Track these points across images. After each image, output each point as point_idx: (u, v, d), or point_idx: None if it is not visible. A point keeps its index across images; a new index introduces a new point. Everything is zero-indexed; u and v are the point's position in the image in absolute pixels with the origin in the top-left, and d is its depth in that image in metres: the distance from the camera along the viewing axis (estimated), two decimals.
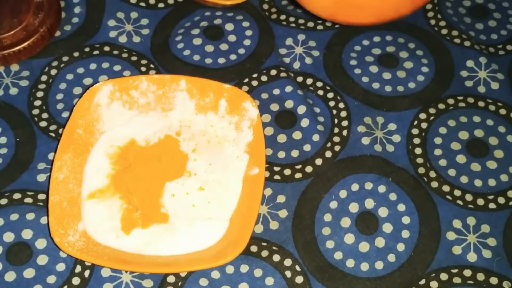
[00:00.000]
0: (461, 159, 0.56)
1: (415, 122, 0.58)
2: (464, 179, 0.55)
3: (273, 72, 0.60)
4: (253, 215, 0.50)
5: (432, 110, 0.58)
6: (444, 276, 0.51)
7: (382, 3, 0.57)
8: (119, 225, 0.52)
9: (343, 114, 0.58)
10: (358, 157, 0.56)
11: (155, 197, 0.53)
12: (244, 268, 0.51)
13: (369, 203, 0.54)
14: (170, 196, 0.53)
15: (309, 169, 0.55)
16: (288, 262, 0.51)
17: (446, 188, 0.54)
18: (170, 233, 0.51)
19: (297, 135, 0.57)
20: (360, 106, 0.59)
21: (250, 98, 0.56)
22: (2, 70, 0.60)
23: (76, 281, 0.50)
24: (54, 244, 0.50)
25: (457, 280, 0.51)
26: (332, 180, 0.55)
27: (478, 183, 0.55)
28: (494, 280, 0.51)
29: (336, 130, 0.57)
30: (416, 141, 0.57)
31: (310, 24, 0.64)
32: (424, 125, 0.58)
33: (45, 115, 0.58)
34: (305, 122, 0.57)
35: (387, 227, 0.53)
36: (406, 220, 0.53)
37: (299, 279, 0.51)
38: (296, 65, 0.61)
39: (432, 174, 0.55)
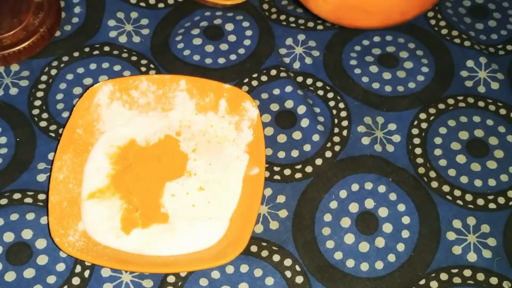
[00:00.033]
0: (461, 159, 0.56)
1: (415, 122, 0.58)
2: (464, 179, 0.55)
3: (273, 72, 0.60)
4: (253, 215, 0.50)
5: (432, 110, 0.58)
6: (444, 276, 0.51)
7: (389, 7, 0.57)
8: (119, 225, 0.52)
9: (343, 114, 0.58)
10: (358, 157, 0.56)
11: (155, 197, 0.53)
12: (244, 268, 0.51)
13: (369, 203, 0.54)
14: (170, 196, 0.53)
15: (309, 169, 0.55)
16: (288, 262, 0.51)
17: (446, 188, 0.54)
18: (170, 233, 0.51)
19: (297, 135, 0.57)
20: (360, 106, 0.59)
21: (250, 98, 0.56)
22: (2, 70, 0.60)
23: (76, 281, 0.50)
24: (54, 244, 0.50)
25: (457, 280, 0.51)
26: (332, 180, 0.55)
27: (478, 183, 0.55)
28: (494, 280, 0.51)
29: (336, 130, 0.57)
30: (416, 141, 0.57)
31: (310, 24, 0.64)
32: (424, 125, 0.58)
33: (45, 115, 0.58)
34: (305, 122, 0.57)
35: (387, 227, 0.53)
36: (406, 220, 0.53)
37: (299, 279, 0.51)
38: (296, 65, 0.61)
39: (432, 174, 0.55)
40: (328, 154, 0.56)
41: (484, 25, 0.65)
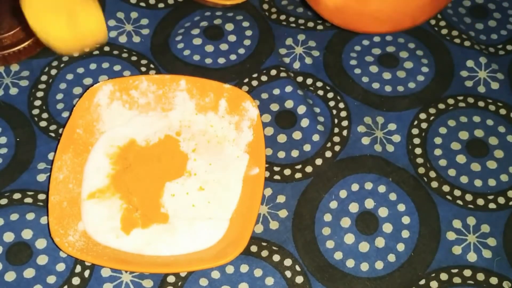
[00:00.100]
0: (461, 159, 0.56)
1: (415, 122, 0.58)
2: (464, 179, 0.55)
3: (273, 72, 0.60)
4: (253, 215, 0.50)
5: (432, 110, 0.58)
6: (444, 276, 0.51)
7: (401, 13, 0.57)
8: (119, 225, 0.52)
9: (343, 114, 0.58)
10: (358, 157, 0.56)
11: (155, 197, 0.53)
12: (244, 268, 0.51)
13: (369, 203, 0.54)
14: (170, 196, 0.53)
15: (309, 169, 0.55)
16: (288, 262, 0.51)
17: (446, 188, 0.54)
18: (170, 233, 0.51)
19: (297, 135, 0.57)
20: (360, 106, 0.59)
21: (250, 98, 0.56)
22: (2, 70, 0.60)
23: (76, 281, 0.50)
24: (54, 244, 0.50)
25: (457, 280, 0.51)
26: (332, 180, 0.55)
27: (478, 183, 0.55)
28: (494, 280, 0.51)
29: (336, 130, 0.57)
30: (416, 141, 0.57)
31: (310, 24, 0.64)
32: (424, 125, 0.58)
33: (45, 115, 0.58)
34: (305, 122, 0.57)
35: (387, 227, 0.53)
36: (406, 220, 0.53)
37: (299, 279, 0.51)
38: (296, 65, 0.61)
39: (432, 174, 0.55)
40: (328, 154, 0.56)
41: (484, 25, 0.65)
